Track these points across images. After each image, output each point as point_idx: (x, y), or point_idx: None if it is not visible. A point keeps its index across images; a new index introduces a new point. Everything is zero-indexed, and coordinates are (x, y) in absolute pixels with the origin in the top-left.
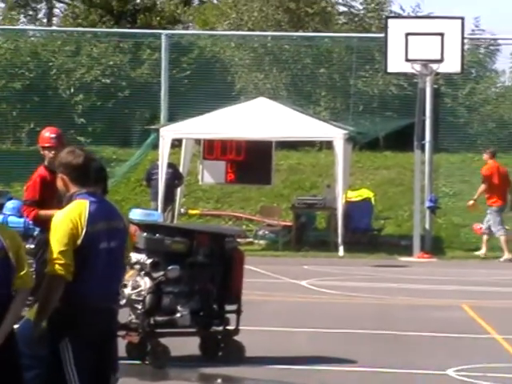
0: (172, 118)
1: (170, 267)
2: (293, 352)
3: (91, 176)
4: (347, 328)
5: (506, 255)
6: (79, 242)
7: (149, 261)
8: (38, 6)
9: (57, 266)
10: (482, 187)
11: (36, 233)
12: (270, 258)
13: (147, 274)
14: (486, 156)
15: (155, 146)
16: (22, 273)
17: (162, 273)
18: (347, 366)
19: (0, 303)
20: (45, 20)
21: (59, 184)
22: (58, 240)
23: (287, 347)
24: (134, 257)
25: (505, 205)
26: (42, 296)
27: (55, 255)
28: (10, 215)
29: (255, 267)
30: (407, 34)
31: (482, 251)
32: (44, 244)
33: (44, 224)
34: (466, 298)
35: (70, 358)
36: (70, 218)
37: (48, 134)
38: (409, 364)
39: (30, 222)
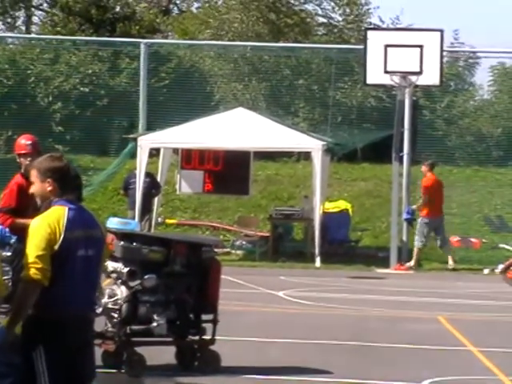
0: (150, 128)
1: (146, 276)
2: (269, 362)
3: (71, 183)
4: (323, 339)
5: (412, 263)
6: (56, 247)
7: (125, 269)
8: (17, 14)
9: (33, 271)
10: (424, 198)
11: (13, 241)
12: (247, 268)
13: (124, 283)
14: (424, 168)
15: (133, 155)
16: None
17: (138, 282)
18: (323, 377)
19: None
20: (23, 27)
21: (41, 190)
22: (35, 244)
23: (263, 357)
24: (111, 265)
25: (439, 217)
26: (16, 301)
27: (32, 259)
28: None
29: (232, 277)
30: (386, 46)
31: (411, 263)
32: (20, 253)
33: (19, 232)
34: (443, 310)
35: (44, 366)
36: (48, 223)
37: (24, 141)
38: (384, 376)
39: (7, 230)
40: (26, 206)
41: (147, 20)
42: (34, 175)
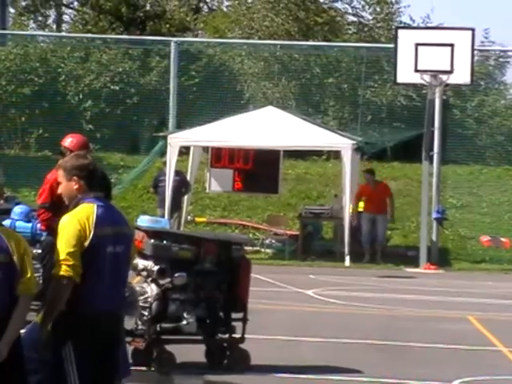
0: (180, 126)
1: (176, 274)
2: (298, 361)
3: (98, 181)
4: (353, 338)
5: (367, 257)
6: (87, 244)
7: (156, 267)
8: (48, 12)
9: (64, 268)
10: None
11: (43, 238)
12: (277, 266)
13: (154, 281)
14: (368, 176)
15: (163, 153)
16: (25, 278)
17: (168, 280)
18: (353, 377)
19: (3, 308)
20: (54, 26)
21: (67, 189)
22: (65, 242)
23: (292, 356)
24: (141, 263)
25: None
26: (49, 298)
27: (63, 256)
28: (17, 220)
29: (261, 276)
30: (417, 45)
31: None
32: (50, 248)
33: (53, 230)
34: (473, 310)
35: (73, 362)
36: (77, 220)
37: (70, 139)
38: (414, 375)
39: (38, 227)
40: (63, 203)
41: (177, 18)
42: (60, 175)
